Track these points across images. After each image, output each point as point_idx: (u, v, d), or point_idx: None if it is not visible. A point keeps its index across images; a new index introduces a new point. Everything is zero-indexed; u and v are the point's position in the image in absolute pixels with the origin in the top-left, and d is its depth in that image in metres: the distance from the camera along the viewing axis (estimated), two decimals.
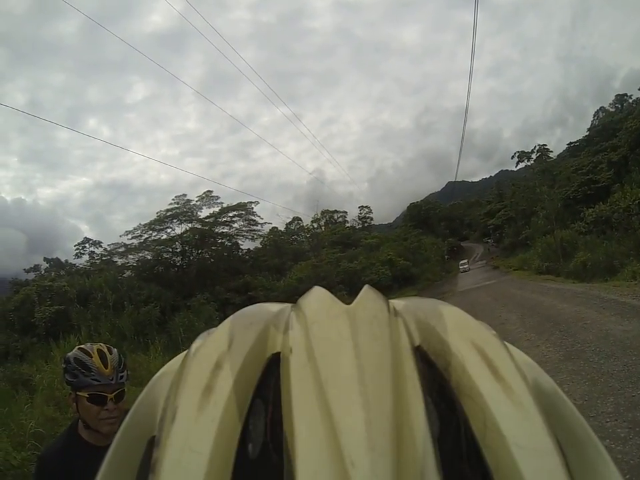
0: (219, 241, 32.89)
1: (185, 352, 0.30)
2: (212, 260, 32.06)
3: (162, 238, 30.70)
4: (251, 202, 33.80)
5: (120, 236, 31.96)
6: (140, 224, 31.39)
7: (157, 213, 31.34)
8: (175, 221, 31.03)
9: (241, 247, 35.42)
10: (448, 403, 0.26)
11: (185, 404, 0.25)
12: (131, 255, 30.89)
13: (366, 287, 0.33)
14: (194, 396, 0.25)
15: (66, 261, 39.76)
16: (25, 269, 38.44)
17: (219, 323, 0.30)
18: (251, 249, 37.88)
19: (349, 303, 0.31)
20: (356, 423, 0.22)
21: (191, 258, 31.39)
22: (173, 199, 31.82)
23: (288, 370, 0.26)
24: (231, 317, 0.32)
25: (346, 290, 31.97)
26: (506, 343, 0.30)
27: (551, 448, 0.23)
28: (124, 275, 29.68)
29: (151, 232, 30.83)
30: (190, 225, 31.26)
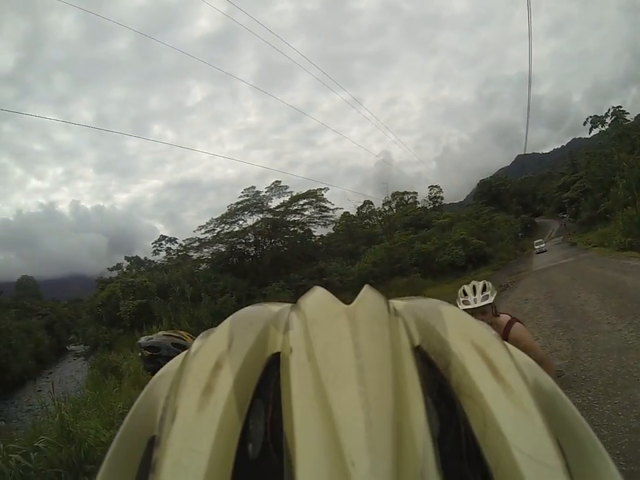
0: (291, 229, 33.16)
1: (185, 352, 0.30)
2: (285, 248, 32.38)
3: (234, 230, 31.42)
4: (321, 189, 33.72)
5: (194, 231, 33.12)
6: (212, 218, 32.39)
7: (228, 207, 32.16)
8: (245, 212, 31.67)
9: (314, 233, 35.46)
10: (448, 402, 0.26)
11: (185, 404, 0.25)
12: (205, 248, 31.88)
13: (366, 286, 0.33)
14: (194, 396, 0.25)
15: (145, 258, 42.19)
16: (108, 268, 41.20)
17: None
18: (324, 235, 37.83)
19: (349, 303, 0.31)
20: (356, 423, 0.22)
21: (265, 247, 31.87)
22: (242, 192, 32.45)
23: (288, 370, 0.26)
24: (231, 316, 0.32)
25: (420, 272, 31.20)
26: (506, 343, 0.29)
27: (551, 448, 0.23)
28: (200, 268, 30.70)
29: (223, 225, 31.66)
30: (261, 215, 31.76)
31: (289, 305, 0.34)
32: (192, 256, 33.10)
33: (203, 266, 31.48)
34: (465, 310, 0.44)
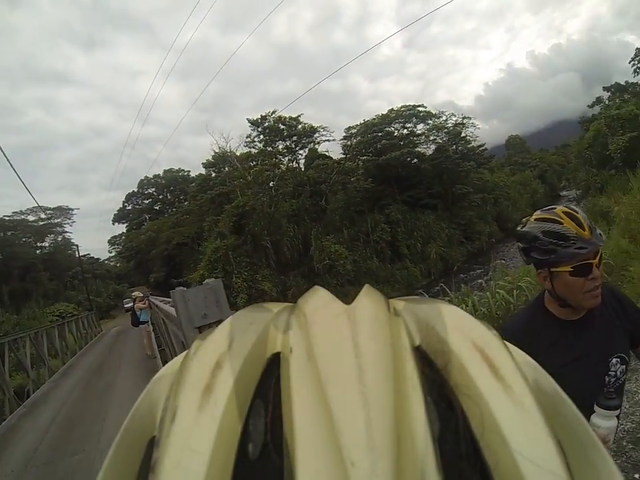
0: None
1: (185, 352, 0.31)
2: None
3: None
4: None
5: None
6: None
7: None
8: None
9: None
10: (448, 402, 0.26)
11: (185, 404, 0.25)
12: None
13: (366, 286, 0.33)
14: (194, 396, 0.25)
15: (626, 82, 36.20)
16: (588, 105, 38.27)
17: None
18: None
19: (349, 303, 0.31)
20: (356, 423, 0.22)
21: None
22: None
23: (288, 370, 0.26)
24: (231, 317, 0.32)
25: None
26: (506, 343, 0.29)
27: (552, 448, 0.23)
28: None
29: None
30: None
31: (289, 305, 0.34)
32: None
33: None
34: None
